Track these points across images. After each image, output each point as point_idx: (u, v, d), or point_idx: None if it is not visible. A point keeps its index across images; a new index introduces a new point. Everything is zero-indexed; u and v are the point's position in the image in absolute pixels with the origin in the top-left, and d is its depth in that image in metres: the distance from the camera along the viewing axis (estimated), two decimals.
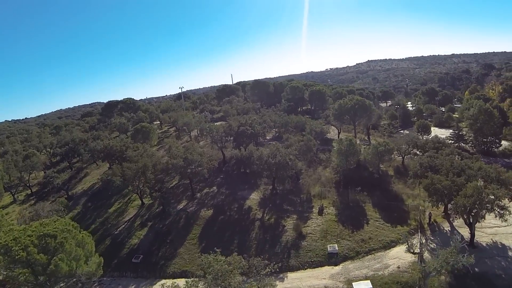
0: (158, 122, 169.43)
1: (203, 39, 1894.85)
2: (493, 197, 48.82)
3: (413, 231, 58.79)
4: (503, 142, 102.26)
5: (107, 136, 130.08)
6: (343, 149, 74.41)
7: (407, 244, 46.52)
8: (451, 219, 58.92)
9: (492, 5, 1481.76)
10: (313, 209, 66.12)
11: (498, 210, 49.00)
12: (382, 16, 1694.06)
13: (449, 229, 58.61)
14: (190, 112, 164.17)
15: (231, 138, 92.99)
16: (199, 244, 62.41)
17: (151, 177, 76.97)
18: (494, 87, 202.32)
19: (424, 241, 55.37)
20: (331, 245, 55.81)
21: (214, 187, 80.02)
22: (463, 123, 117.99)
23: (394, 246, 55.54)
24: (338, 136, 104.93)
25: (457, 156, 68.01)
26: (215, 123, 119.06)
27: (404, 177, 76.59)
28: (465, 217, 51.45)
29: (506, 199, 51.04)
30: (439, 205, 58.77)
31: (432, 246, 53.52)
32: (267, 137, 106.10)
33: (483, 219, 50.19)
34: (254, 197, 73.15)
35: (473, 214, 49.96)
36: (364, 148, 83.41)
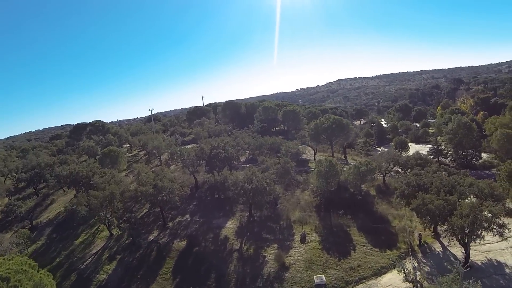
0: (127, 146, 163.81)
1: (173, 60, 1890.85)
2: (490, 214, 45.50)
3: (403, 254, 54.86)
4: (483, 155, 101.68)
5: (75, 161, 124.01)
6: (323, 171, 70.17)
7: (404, 272, 42.50)
8: (441, 238, 56.06)
9: (457, 22, 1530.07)
10: (295, 237, 61.24)
11: (496, 228, 45.67)
12: (351, 36, 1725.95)
13: (441, 249, 55.07)
14: (160, 135, 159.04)
15: (204, 162, 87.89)
16: (173, 280, 56.81)
17: (119, 206, 71.60)
18: (465, 101, 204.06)
19: (416, 264, 51.80)
20: (317, 275, 50.93)
21: (187, 215, 74.52)
22: (440, 137, 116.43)
23: (385, 273, 51.35)
24: (314, 157, 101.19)
25: (443, 172, 64.51)
26: (186, 146, 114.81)
27: (387, 196, 73.71)
28: (460, 237, 47.77)
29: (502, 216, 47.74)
30: (432, 227, 54.98)
31: (426, 270, 49.95)
32: (241, 160, 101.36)
33: (482, 239, 46.56)
34: (230, 226, 67.89)
35: (467, 233, 46.28)
36: (345, 168, 79.36)
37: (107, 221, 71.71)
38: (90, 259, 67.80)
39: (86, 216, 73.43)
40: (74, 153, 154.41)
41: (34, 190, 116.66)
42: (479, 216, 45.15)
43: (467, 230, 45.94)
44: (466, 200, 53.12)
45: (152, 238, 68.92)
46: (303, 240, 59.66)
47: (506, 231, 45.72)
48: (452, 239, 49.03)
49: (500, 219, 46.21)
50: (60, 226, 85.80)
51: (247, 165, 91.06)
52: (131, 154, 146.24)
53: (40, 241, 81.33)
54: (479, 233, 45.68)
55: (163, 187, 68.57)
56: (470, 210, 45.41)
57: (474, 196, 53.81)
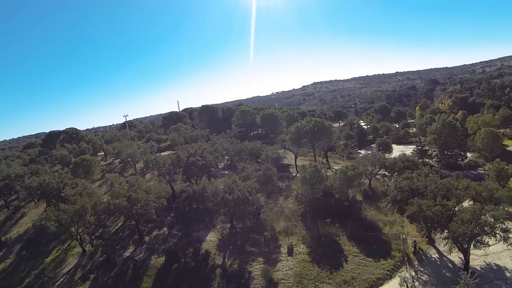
0: (102, 154, 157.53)
1: (149, 65, 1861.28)
2: (492, 219, 42.47)
3: (399, 263, 51.67)
4: (468, 154, 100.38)
5: (47, 171, 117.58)
6: (308, 177, 66.12)
7: (406, 286, 39.07)
8: (436, 244, 53.95)
9: (431, 25, 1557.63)
10: (281, 249, 57.00)
11: (500, 233, 42.73)
12: (326, 39, 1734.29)
13: (437, 256, 52.36)
14: (135, 142, 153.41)
15: (180, 170, 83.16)
16: None
17: (91, 220, 67.04)
18: (443, 101, 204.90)
19: (414, 273, 48.57)
20: None
21: (165, 228, 69.67)
22: (424, 138, 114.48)
23: (382, 284, 48.16)
24: (295, 162, 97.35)
25: (436, 174, 61.30)
26: (162, 153, 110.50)
27: (374, 201, 70.84)
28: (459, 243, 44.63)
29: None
30: (432, 235, 51.51)
31: (425, 279, 47.06)
32: (219, 166, 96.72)
33: (486, 246, 43.43)
34: (211, 239, 63.26)
35: (468, 239, 43.08)
36: (329, 173, 75.59)
37: (79, 237, 66.67)
38: (62, 279, 62.72)
39: (56, 232, 68.17)
40: (47, 162, 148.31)
41: (4, 202, 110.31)
42: (481, 221, 42.12)
43: (473, 238, 42.86)
44: (464, 204, 50.17)
45: (127, 254, 63.90)
46: (290, 252, 55.55)
47: (511, 235, 42.87)
48: (453, 246, 45.76)
49: (504, 224, 43.13)
50: (30, 242, 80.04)
51: (226, 172, 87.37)
52: (106, 163, 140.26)
53: (8, 259, 76.15)
54: (481, 239, 42.84)
55: (138, 199, 63.65)
56: (472, 216, 42.19)
57: (471, 199, 50.74)
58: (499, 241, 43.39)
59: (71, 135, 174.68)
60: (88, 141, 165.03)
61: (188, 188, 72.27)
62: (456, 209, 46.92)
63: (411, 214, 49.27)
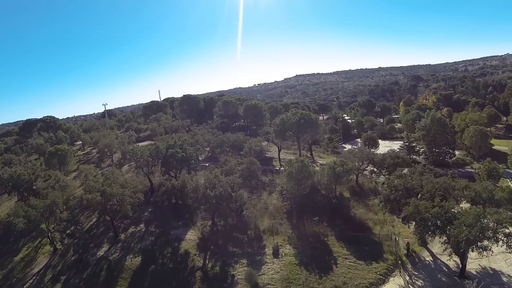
0: (80, 143, 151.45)
1: (132, 54, 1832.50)
2: (494, 223, 39.50)
3: (391, 267, 48.80)
4: (456, 152, 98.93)
5: (21, 161, 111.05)
6: (294, 172, 62.26)
7: None
8: (428, 245, 51.96)
9: (415, 22, 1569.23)
10: (266, 250, 53.24)
11: (503, 239, 39.82)
12: (311, 32, 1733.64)
13: (431, 258, 49.99)
14: (113, 131, 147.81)
15: (159, 162, 78.63)
16: None
17: (64, 216, 62.43)
18: (428, 97, 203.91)
19: (408, 278, 45.83)
20: None
21: (142, 225, 64.98)
22: (411, 133, 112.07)
23: None
24: (279, 155, 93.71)
25: (429, 173, 58.22)
26: (141, 143, 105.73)
27: (363, 198, 68.58)
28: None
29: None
30: (432, 238, 48.31)
31: (420, 284, 44.65)
32: (200, 158, 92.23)
33: (490, 251, 40.52)
34: (191, 237, 58.95)
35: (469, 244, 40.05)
36: (317, 168, 72.05)
37: (49, 235, 61.77)
38: (31, 280, 57.73)
39: (25, 230, 63.15)
40: (23, 151, 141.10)
41: None
42: (484, 225, 39.16)
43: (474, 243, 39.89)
44: (461, 205, 47.20)
45: (101, 254, 59.02)
46: (276, 253, 51.92)
47: None
48: (453, 252, 42.72)
49: (508, 228, 40.21)
50: (0, 238, 74.06)
51: (207, 164, 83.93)
52: (83, 153, 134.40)
53: None
54: (483, 244, 39.98)
55: (113, 194, 59.02)
56: (474, 219, 39.05)
57: (470, 200, 47.85)
58: (501, 246, 40.45)
59: (49, 123, 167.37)
60: (65, 130, 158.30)
61: (167, 183, 67.88)
62: (454, 210, 43.88)
63: (408, 216, 46.07)
